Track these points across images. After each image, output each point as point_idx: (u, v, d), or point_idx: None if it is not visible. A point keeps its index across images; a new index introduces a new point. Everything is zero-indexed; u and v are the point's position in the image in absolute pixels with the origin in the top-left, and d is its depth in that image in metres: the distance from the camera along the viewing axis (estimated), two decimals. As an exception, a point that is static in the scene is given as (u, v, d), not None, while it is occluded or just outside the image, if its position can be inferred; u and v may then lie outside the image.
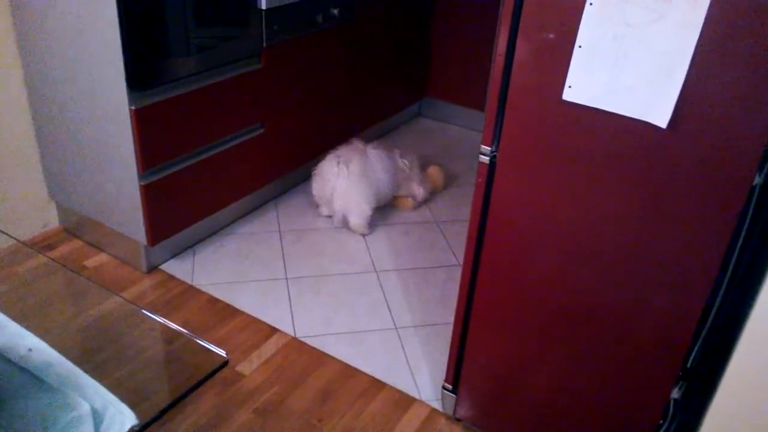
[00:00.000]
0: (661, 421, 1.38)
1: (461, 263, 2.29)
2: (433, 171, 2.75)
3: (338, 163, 2.43)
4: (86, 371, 1.04)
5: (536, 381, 1.48)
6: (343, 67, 2.69)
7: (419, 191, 2.64)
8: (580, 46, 1.16)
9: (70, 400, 0.78)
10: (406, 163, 2.62)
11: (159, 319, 1.91)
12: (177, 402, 0.96)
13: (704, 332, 1.30)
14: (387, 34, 2.92)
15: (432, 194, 2.73)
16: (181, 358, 1.81)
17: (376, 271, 2.25)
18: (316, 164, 2.54)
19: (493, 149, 1.34)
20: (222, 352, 1.08)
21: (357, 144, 2.54)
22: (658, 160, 1.16)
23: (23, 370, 0.83)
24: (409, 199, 2.65)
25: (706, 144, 1.10)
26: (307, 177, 2.81)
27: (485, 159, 1.36)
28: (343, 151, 2.49)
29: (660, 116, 1.12)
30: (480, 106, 3.24)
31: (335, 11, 2.48)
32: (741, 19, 1.00)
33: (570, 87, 1.19)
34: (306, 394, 1.74)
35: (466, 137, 3.28)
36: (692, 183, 1.14)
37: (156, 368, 1.81)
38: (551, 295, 1.38)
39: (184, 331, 1.72)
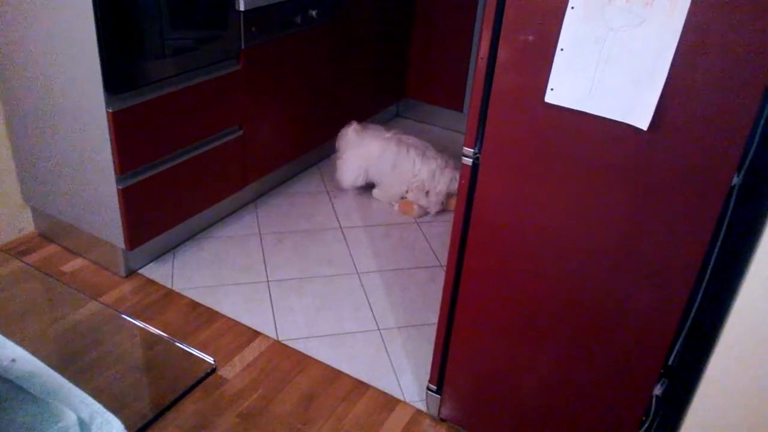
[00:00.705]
0: (643, 418, 1.40)
1: (443, 264, 2.31)
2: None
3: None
4: (67, 378, 1.03)
5: (521, 380, 1.50)
6: (322, 69, 2.69)
7: (433, 205, 2.62)
8: (561, 49, 1.17)
9: (56, 410, 0.77)
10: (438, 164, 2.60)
11: (139, 324, 1.89)
12: (166, 410, 0.95)
13: (685, 330, 1.32)
14: (366, 35, 2.92)
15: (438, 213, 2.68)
16: (164, 364, 1.80)
17: (357, 273, 2.25)
18: (294, 167, 2.53)
19: (476, 151, 1.35)
20: (210, 359, 1.07)
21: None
22: (640, 161, 1.17)
23: (6, 380, 0.82)
24: (416, 207, 2.63)
25: (686, 145, 1.12)
26: (286, 178, 2.80)
27: (468, 161, 1.37)
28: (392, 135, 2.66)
29: (641, 118, 1.13)
30: (459, 106, 3.26)
31: (314, 12, 2.47)
32: (719, 23, 1.02)
33: (552, 89, 1.20)
34: (290, 398, 1.73)
35: (445, 137, 3.29)
36: (673, 183, 1.16)
37: (138, 374, 1.78)
38: (534, 296, 1.39)
39: (165, 335, 1.70)
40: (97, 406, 0.80)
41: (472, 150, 1.36)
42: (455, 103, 3.26)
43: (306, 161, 2.92)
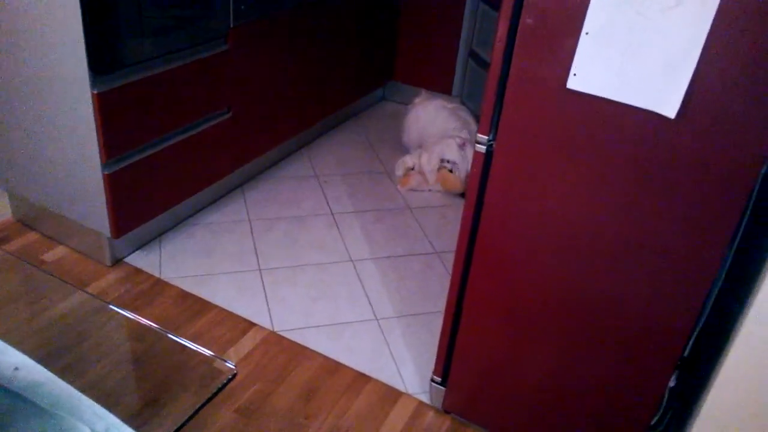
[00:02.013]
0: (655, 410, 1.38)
1: (438, 251, 2.27)
2: (449, 175, 2.60)
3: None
4: (54, 373, 0.96)
5: (531, 372, 1.46)
6: (311, 50, 2.60)
7: (431, 178, 2.61)
8: (587, 33, 1.12)
9: (67, 424, 0.71)
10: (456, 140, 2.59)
11: (129, 315, 1.81)
12: (188, 421, 0.89)
13: (702, 320, 1.30)
14: (355, 16, 2.84)
15: (435, 191, 2.67)
16: (155, 357, 1.72)
17: (352, 260, 2.19)
18: (281, 151, 2.46)
19: (491, 138, 1.30)
20: (231, 364, 1.01)
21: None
22: (664, 150, 1.13)
23: (10, 392, 0.75)
24: (414, 180, 2.62)
25: (714, 135, 1.08)
26: (273, 162, 2.72)
27: (481, 148, 1.32)
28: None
29: (669, 107, 1.09)
30: (448, 89, 3.20)
31: (304, -9, 2.38)
32: (752, 10, 0.98)
33: (575, 75, 1.15)
34: (289, 391, 1.68)
35: (432, 121, 3.23)
36: (698, 174, 1.12)
37: (129, 368, 1.71)
38: (548, 286, 1.36)
39: (155, 325, 1.63)
40: (113, 419, 0.74)
41: (486, 137, 1.31)
42: (444, 86, 3.21)
43: (293, 145, 2.84)
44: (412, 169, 2.66)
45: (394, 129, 3.13)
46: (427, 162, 2.58)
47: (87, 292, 1.96)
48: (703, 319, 1.30)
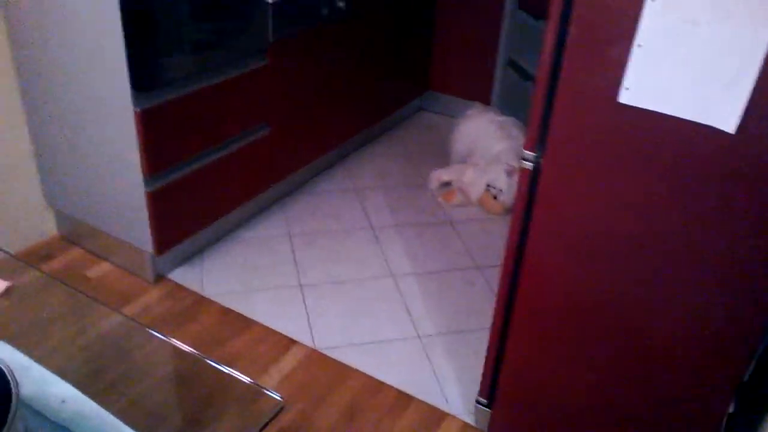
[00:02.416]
0: (715, 437, 1.32)
1: (480, 266, 2.22)
2: (491, 200, 2.55)
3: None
4: (93, 395, 0.94)
5: (581, 397, 1.41)
6: (348, 62, 2.59)
7: (474, 196, 2.57)
8: (639, 45, 1.07)
9: (112, 457, 0.70)
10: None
11: (167, 339, 1.80)
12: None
13: (764, 343, 1.23)
14: (392, 26, 2.82)
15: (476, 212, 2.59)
16: (194, 380, 1.71)
17: (392, 276, 2.17)
18: (319, 165, 2.44)
19: (538, 155, 1.26)
20: (276, 395, 0.99)
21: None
22: (723, 166, 1.08)
23: (57, 425, 0.74)
24: (458, 196, 2.60)
25: (777, 149, 1.03)
26: (312, 177, 2.71)
27: (528, 165, 1.28)
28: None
29: (727, 120, 1.04)
30: (485, 99, 3.15)
31: (341, 4, 2.37)
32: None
33: (627, 89, 1.11)
34: (331, 411, 1.66)
35: (471, 131, 3.19)
36: (759, 188, 1.06)
37: (168, 391, 1.70)
38: (600, 305, 1.31)
39: (195, 351, 1.62)
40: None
41: (533, 154, 1.27)
42: (482, 95, 3.16)
43: (332, 158, 2.83)
44: (448, 184, 2.62)
45: (432, 140, 3.10)
46: (472, 183, 2.54)
47: (124, 314, 1.96)
48: (766, 341, 1.23)
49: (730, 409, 1.29)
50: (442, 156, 2.88)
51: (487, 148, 2.60)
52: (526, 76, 2.82)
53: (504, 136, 2.61)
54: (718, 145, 1.07)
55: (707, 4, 1.00)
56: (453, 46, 3.17)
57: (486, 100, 3.15)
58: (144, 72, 1.74)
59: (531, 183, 1.29)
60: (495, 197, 2.52)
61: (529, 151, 1.27)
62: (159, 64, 1.78)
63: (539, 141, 1.25)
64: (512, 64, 2.97)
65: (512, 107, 3.00)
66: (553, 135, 1.22)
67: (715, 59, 1.02)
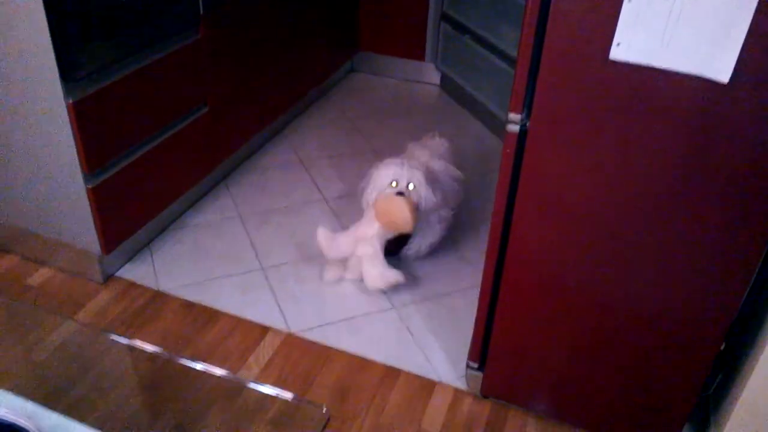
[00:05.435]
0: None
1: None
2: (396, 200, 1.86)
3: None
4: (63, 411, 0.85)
5: (570, 349, 1.43)
6: (278, 30, 2.47)
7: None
8: (629, 0, 1.05)
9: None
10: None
11: (130, 342, 1.69)
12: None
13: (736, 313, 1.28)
14: (318, -13, 2.70)
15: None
16: (169, 381, 1.62)
17: (355, 248, 2.11)
18: (260, 138, 2.33)
19: (524, 117, 1.23)
20: (322, 407, 0.92)
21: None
22: (715, 118, 1.08)
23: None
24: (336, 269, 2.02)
25: (766, 99, 1.04)
26: (253, 152, 2.59)
27: (514, 128, 1.25)
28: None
29: (721, 71, 1.04)
30: (420, 55, 3.10)
31: (269, -34, 2.23)
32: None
33: (618, 45, 1.09)
34: (322, 393, 1.61)
35: (404, 89, 3.14)
36: (754, 146, 1.08)
37: (144, 396, 1.60)
38: (585, 279, 1.31)
39: (160, 350, 1.52)
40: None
41: (519, 116, 1.24)
42: (415, 51, 3.10)
43: (272, 131, 2.71)
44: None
45: (367, 101, 3.02)
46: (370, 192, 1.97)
47: (77, 321, 1.83)
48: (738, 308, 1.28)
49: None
50: (378, 120, 2.82)
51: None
52: (464, 29, 2.78)
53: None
54: (712, 98, 1.07)
55: (696, -48, 0.99)
56: (381, 3, 3.08)
57: (420, 57, 3.10)
58: (71, 60, 1.58)
59: (517, 148, 1.26)
60: (401, 193, 1.86)
61: (515, 113, 1.24)
62: (85, 50, 1.61)
63: (525, 103, 1.22)
64: (446, 17, 2.92)
65: (449, 62, 2.97)
66: (539, 96, 1.19)
67: (707, 9, 1.01)
